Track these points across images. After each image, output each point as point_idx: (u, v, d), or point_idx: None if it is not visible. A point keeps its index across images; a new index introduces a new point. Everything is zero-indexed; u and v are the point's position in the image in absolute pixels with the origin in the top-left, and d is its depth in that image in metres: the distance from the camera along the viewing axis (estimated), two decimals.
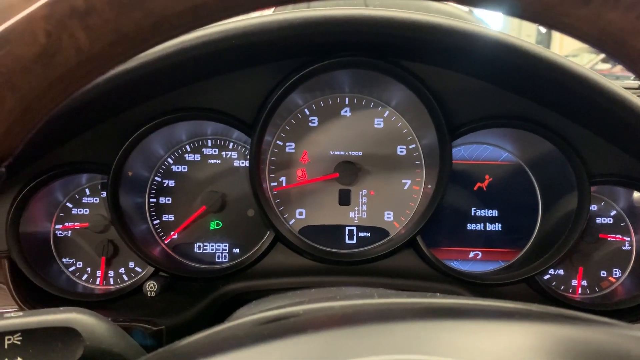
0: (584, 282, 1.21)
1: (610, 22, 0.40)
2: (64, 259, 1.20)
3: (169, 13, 0.40)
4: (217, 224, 1.23)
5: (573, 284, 1.22)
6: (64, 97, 0.44)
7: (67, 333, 0.62)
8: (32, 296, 1.11)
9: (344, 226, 1.23)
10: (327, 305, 0.58)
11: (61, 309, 0.63)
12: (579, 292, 1.21)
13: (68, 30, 0.39)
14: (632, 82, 1.57)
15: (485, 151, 1.24)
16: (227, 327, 0.56)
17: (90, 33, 0.40)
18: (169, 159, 1.22)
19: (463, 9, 3.89)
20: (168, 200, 1.22)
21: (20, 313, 0.63)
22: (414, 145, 1.22)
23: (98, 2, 0.39)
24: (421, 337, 0.46)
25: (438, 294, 0.69)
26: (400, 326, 0.48)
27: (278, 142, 1.22)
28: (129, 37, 0.41)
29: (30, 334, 0.60)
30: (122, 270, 1.21)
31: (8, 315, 0.62)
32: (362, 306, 0.59)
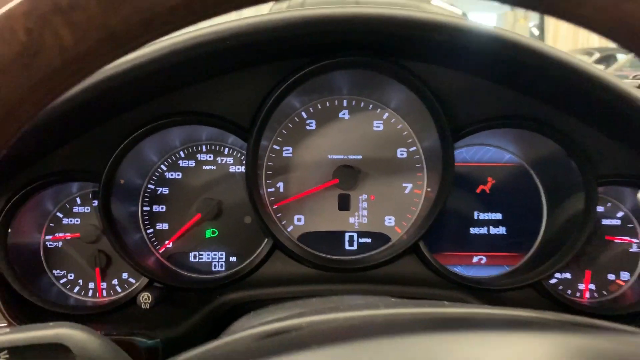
0: (592, 286, 1.19)
1: (627, 12, 0.38)
2: (54, 271, 1.17)
3: (160, 9, 0.37)
4: (213, 232, 1.20)
5: (580, 287, 1.19)
6: (48, 100, 0.41)
7: (57, 350, 0.60)
8: (22, 311, 1.07)
9: (344, 232, 1.21)
10: (331, 317, 0.56)
11: (50, 324, 0.61)
12: (587, 296, 1.19)
13: (51, 27, 0.36)
14: (630, 81, 1.56)
15: (487, 153, 1.22)
16: (226, 342, 0.53)
17: (75, 30, 0.36)
18: (163, 166, 1.19)
19: (457, 12, 3.89)
20: (162, 208, 1.19)
21: (7, 330, 0.61)
22: (414, 148, 1.20)
23: None
24: (435, 351, 0.43)
25: (446, 302, 0.66)
26: (410, 340, 0.45)
27: (275, 146, 1.19)
28: (117, 35, 0.38)
29: (18, 352, 0.58)
30: (115, 281, 1.17)
31: None
32: (367, 317, 0.56)
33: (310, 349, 0.44)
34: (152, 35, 0.40)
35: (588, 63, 0.93)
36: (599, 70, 0.92)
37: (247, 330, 0.55)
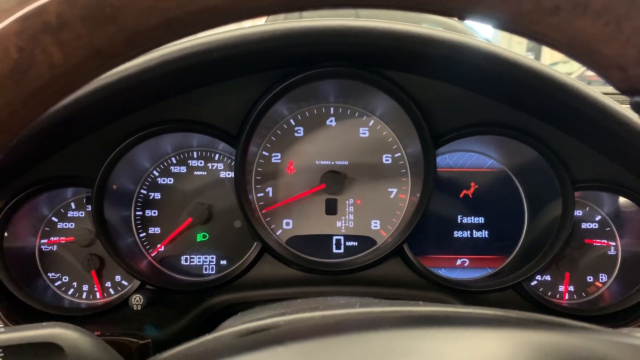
0: (571, 288, 1.21)
1: (580, 30, 0.40)
2: (49, 274, 1.19)
3: (143, 27, 0.40)
4: (204, 236, 1.22)
5: (560, 289, 1.22)
6: (40, 112, 0.44)
7: (50, 349, 0.61)
8: (17, 312, 1.10)
9: (331, 236, 1.23)
10: (308, 316, 0.58)
11: (44, 324, 0.62)
12: (566, 297, 1.22)
13: (41, 45, 0.39)
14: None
15: (470, 159, 1.25)
16: (208, 339, 0.56)
17: (64, 48, 0.40)
18: (155, 172, 1.22)
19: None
20: (154, 212, 1.22)
21: (2, 329, 0.62)
22: (399, 154, 1.23)
23: (70, 17, 0.39)
24: (398, 346, 0.46)
25: (420, 302, 0.69)
26: (377, 335, 0.48)
27: (264, 152, 1.22)
28: (103, 52, 0.41)
29: (12, 351, 0.60)
30: (108, 283, 1.20)
31: None
32: (342, 316, 0.59)
33: (283, 344, 0.47)
34: (136, 51, 0.43)
35: (563, 73, 0.96)
36: (573, 80, 0.95)
37: (229, 328, 0.57)
